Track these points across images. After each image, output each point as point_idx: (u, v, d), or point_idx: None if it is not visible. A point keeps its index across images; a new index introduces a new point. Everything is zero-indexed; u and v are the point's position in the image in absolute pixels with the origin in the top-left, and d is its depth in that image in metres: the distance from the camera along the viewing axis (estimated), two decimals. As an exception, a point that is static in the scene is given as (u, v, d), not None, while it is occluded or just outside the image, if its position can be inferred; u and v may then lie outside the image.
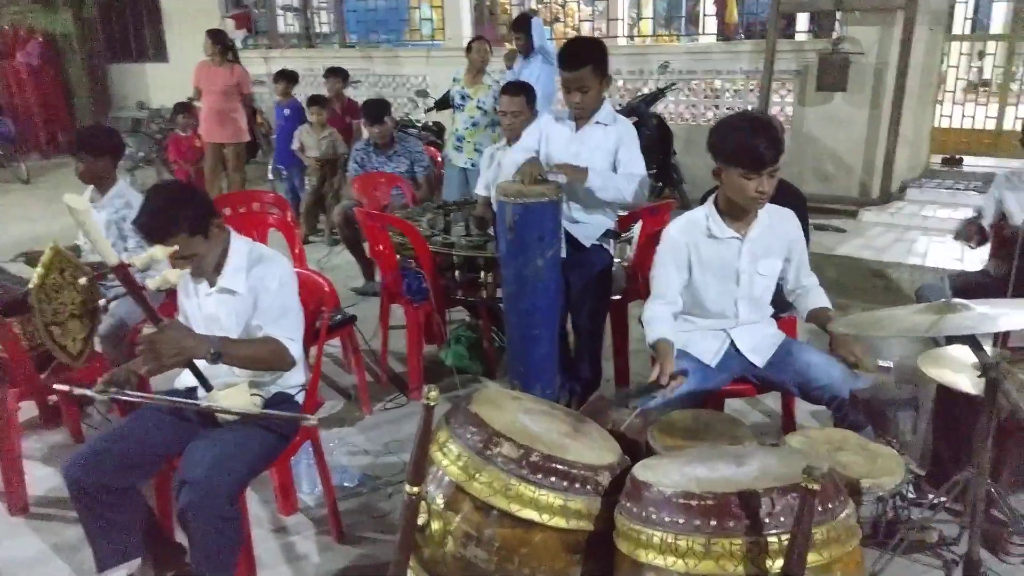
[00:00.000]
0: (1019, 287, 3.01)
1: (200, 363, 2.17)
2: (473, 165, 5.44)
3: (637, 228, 3.80)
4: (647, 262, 2.99)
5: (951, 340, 2.31)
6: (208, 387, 2.21)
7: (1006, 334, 3.28)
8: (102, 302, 2.74)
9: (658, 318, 2.56)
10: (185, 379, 2.37)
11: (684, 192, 6.81)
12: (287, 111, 7.13)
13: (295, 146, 6.61)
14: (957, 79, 8.31)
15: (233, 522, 2.08)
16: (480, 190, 4.08)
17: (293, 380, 2.43)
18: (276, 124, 7.35)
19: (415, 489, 1.72)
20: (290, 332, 2.30)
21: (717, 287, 2.60)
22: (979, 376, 1.59)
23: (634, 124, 7.19)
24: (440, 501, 1.81)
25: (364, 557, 2.56)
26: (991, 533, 2.50)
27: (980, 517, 1.67)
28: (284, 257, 2.44)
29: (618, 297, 3.67)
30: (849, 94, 6.78)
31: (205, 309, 2.37)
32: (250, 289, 2.31)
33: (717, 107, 7.69)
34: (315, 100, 6.59)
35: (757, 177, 2.35)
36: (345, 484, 2.93)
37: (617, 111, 6.96)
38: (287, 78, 7.25)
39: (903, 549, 2.23)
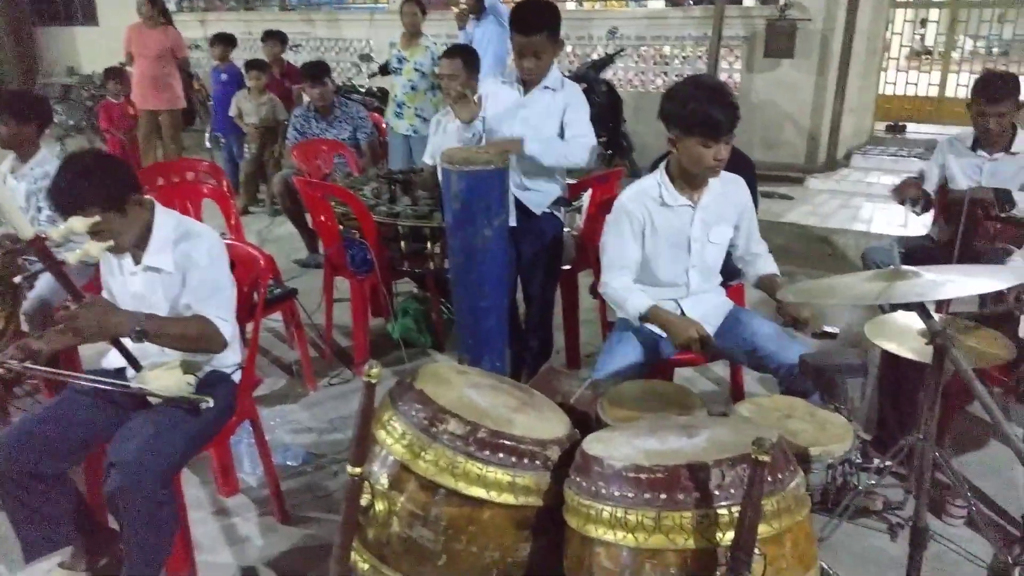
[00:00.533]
0: (963, 252, 3.05)
1: (127, 342, 2.05)
2: (415, 132, 5.30)
3: (586, 197, 3.75)
4: (597, 231, 2.94)
5: (898, 307, 2.32)
6: (137, 367, 2.10)
7: (947, 299, 3.34)
8: (18, 278, 2.58)
9: (629, 288, 2.52)
10: (113, 359, 2.24)
11: (634, 160, 6.79)
12: (224, 76, 6.87)
13: (233, 112, 6.38)
14: (901, 46, 8.42)
15: (166, 505, 1.99)
16: (427, 159, 3.97)
17: (229, 359, 2.33)
18: (213, 90, 7.10)
19: (357, 470, 1.64)
20: (222, 311, 2.19)
21: (669, 256, 2.57)
22: (927, 344, 1.58)
23: (583, 91, 7.13)
24: (384, 481, 1.74)
25: (309, 538, 2.50)
26: (934, 497, 2.55)
27: (928, 484, 1.67)
28: (212, 231, 2.31)
29: (568, 267, 3.62)
30: (796, 60, 6.83)
31: (131, 287, 2.24)
32: (178, 266, 2.19)
33: (666, 74, 7.67)
34: (253, 64, 6.35)
35: (715, 145, 2.32)
36: (288, 463, 2.85)
37: (565, 77, 6.87)
38: (224, 42, 6.98)
39: (850, 515, 2.25)
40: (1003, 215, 3.10)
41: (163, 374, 2.11)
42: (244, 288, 2.45)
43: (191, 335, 2.14)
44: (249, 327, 2.50)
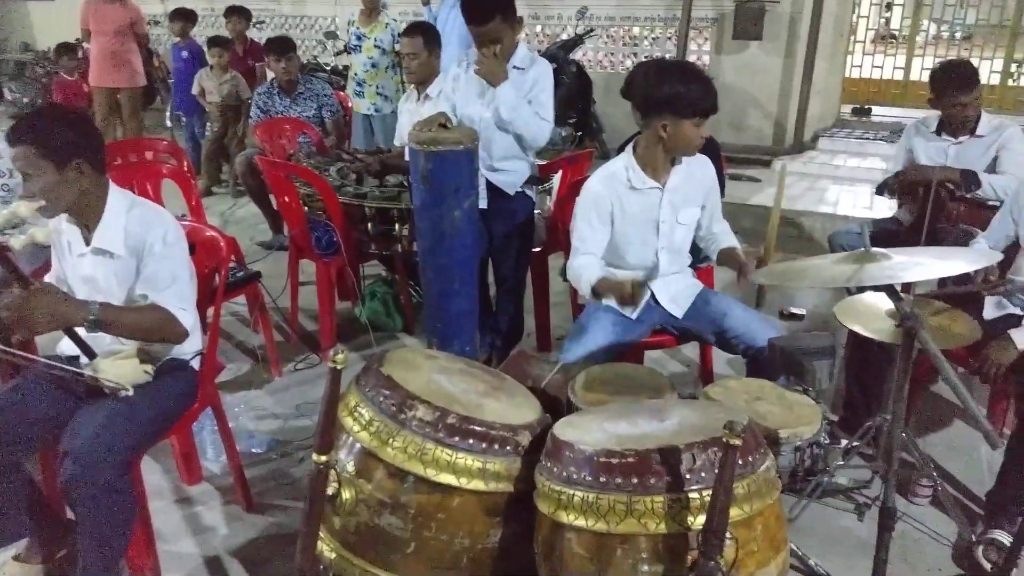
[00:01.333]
0: (928, 233, 3.07)
1: (81, 331, 1.98)
2: (377, 111, 5.22)
3: (557, 179, 3.72)
4: (567, 213, 2.92)
5: (866, 289, 2.33)
6: (91, 355, 2.02)
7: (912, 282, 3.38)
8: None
9: (588, 266, 2.50)
10: (67, 346, 2.16)
11: (604, 141, 6.77)
12: (185, 53, 6.70)
13: (195, 91, 6.22)
14: (867, 30, 8.48)
15: (123, 495, 1.92)
16: (397, 141, 3.90)
17: (188, 345, 2.24)
18: (173, 67, 6.91)
19: (323, 458, 1.60)
20: (180, 300, 2.10)
21: (638, 239, 2.56)
22: (897, 326, 1.58)
23: (553, 71, 7.07)
24: (351, 469, 1.71)
25: (275, 526, 2.45)
26: (900, 476, 2.57)
27: (894, 465, 1.68)
28: (169, 214, 2.22)
29: (538, 249, 3.60)
30: (765, 43, 6.84)
31: (81, 270, 2.14)
32: (131, 250, 2.09)
33: (635, 55, 7.64)
34: (216, 41, 6.20)
35: (703, 124, 2.34)
36: (253, 450, 2.79)
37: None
38: (184, 18, 6.80)
39: (818, 495, 2.27)
40: (968, 196, 3.13)
41: (118, 362, 2.04)
42: (205, 272, 2.38)
43: (148, 326, 2.06)
44: (210, 312, 2.43)
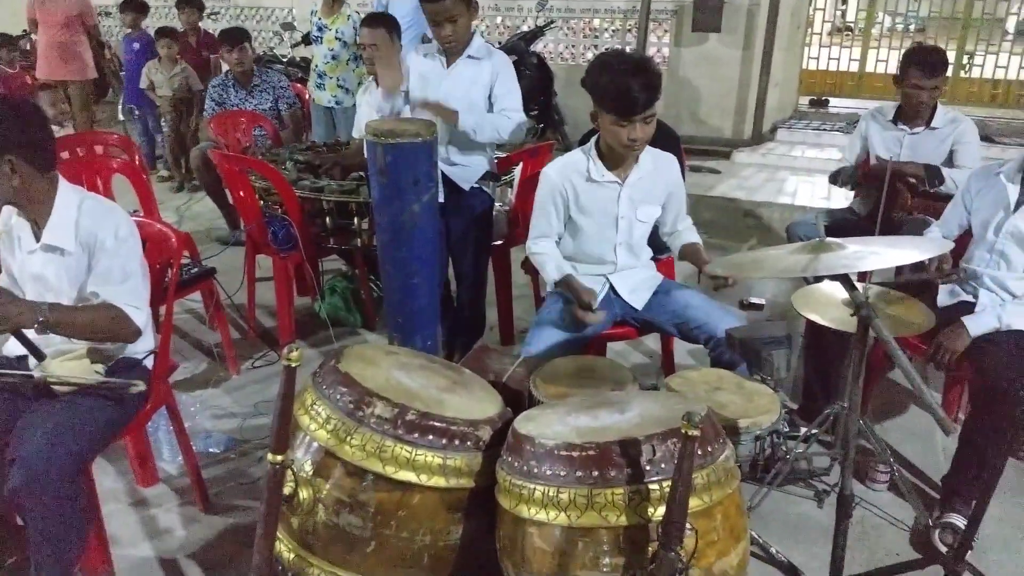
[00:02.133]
0: (884, 223, 3.11)
1: (30, 332, 1.91)
2: (338, 103, 5.15)
3: (517, 171, 3.70)
4: (528, 205, 2.91)
5: (823, 278, 2.35)
6: (40, 356, 1.96)
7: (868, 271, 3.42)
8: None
9: (551, 254, 2.53)
10: (14, 346, 2.09)
11: (566, 133, 6.77)
12: (137, 45, 6.54)
13: (144, 84, 6.08)
14: (823, 22, 8.60)
15: (75, 500, 1.86)
16: (356, 133, 3.85)
17: (141, 344, 2.18)
18: (125, 59, 6.74)
19: (279, 457, 1.57)
20: (133, 298, 2.05)
21: (596, 232, 2.55)
22: (852, 315, 1.60)
23: (513, 64, 7.04)
24: (308, 468, 1.68)
25: (233, 527, 2.41)
26: (858, 463, 2.62)
27: (853, 453, 1.69)
28: (120, 209, 2.16)
29: (500, 242, 3.58)
30: (723, 35, 6.89)
31: (30, 268, 2.07)
32: (82, 246, 2.02)
33: (596, 46, 7.65)
34: (164, 32, 6.04)
35: (629, 124, 2.26)
36: (211, 450, 2.74)
37: (496, 48, 6.75)
38: (136, 8, 6.63)
39: (778, 483, 2.29)
40: (931, 191, 3.17)
41: (67, 363, 1.97)
42: (156, 268, 2.32)
43: (99, 326, 2.01)
44: (163, 310, 2.37)
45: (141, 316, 2.06)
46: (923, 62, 3.21)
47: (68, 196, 2.06)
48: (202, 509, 2.47)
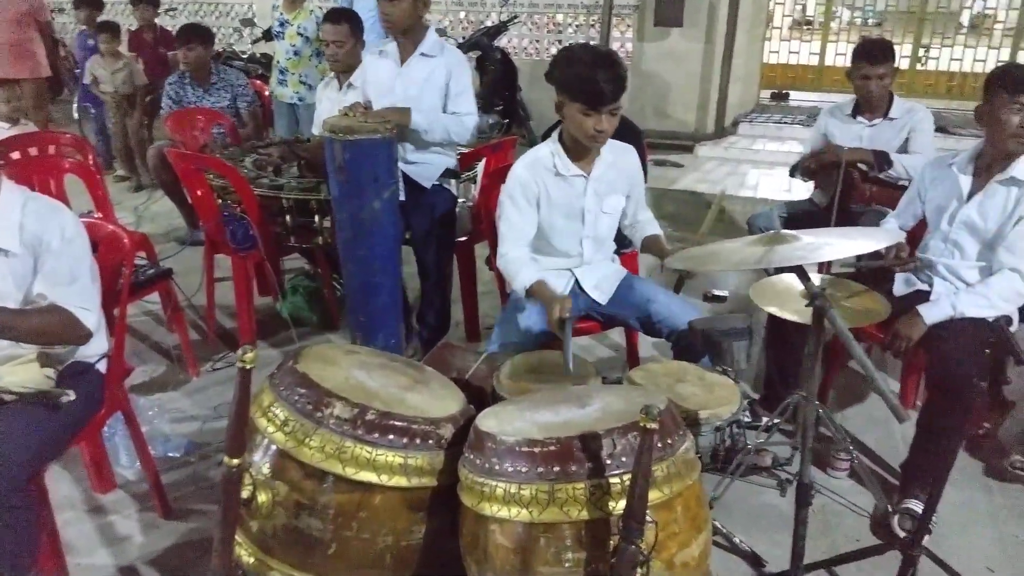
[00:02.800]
0: (841, 214, 3.16)
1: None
2: (301, 100, 5.09)
3: (480, 167, 3.69)
4: (491, 201, 2.89)
5: (780, 270, 2.38)
6: (-14, 362, 1.91)
7: (828, 261, 3.47)
8: None
9: (521, 261, 2.44)
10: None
11: (531, 128, 6.77)
12: (92, 42, 6.38)
13: (88, 80, 5.95)
14: (783, 16, 8.69)
15: (23, 511, 1.81)
16: (316, 130, 3.81)
17: (93, 348, 2.13)
18: (80, 57, 6.59)
19: (235, 461, 1.54)
20: (82, 300, 1.99)
21: (563, 226, 2.55)
22: (807, 305, 1.61)
23: (478, 59, 7.04)
24: (267, 471, 1.65)
25: (194, 532, 2.37)
26: (819, 451, 2.65)
27: (811, 442, 1.71)
28: (68, 209, 2.10)
29: (464, 238, 3.56)
30: (685, 29, 6.92)
31: None
32: (27, 247, 1.96)
33: (560, 41, 7.65)
34: (104, 27, 5.91)
35: (596, 114, 2.27)
36: (170, 454, 2.69)
37: (459, 44, 6.73)
38: (90, 5, 6.49)
39: (741, 473, 2.31)
40: (880, 175, 3.23)
41: (17, 369, 1.92)
42: (108, 270, 2.27)
43: (48, 329, 1.95)
44: (117, 312, 2.32)
45: (91, 318, 2.01)
46: (867, 52, 3.31)
47: (11, 197, 1.99)
48: (161, 515, 2.43)
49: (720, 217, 5.41)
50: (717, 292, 3.99)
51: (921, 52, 8.13)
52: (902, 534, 2.31)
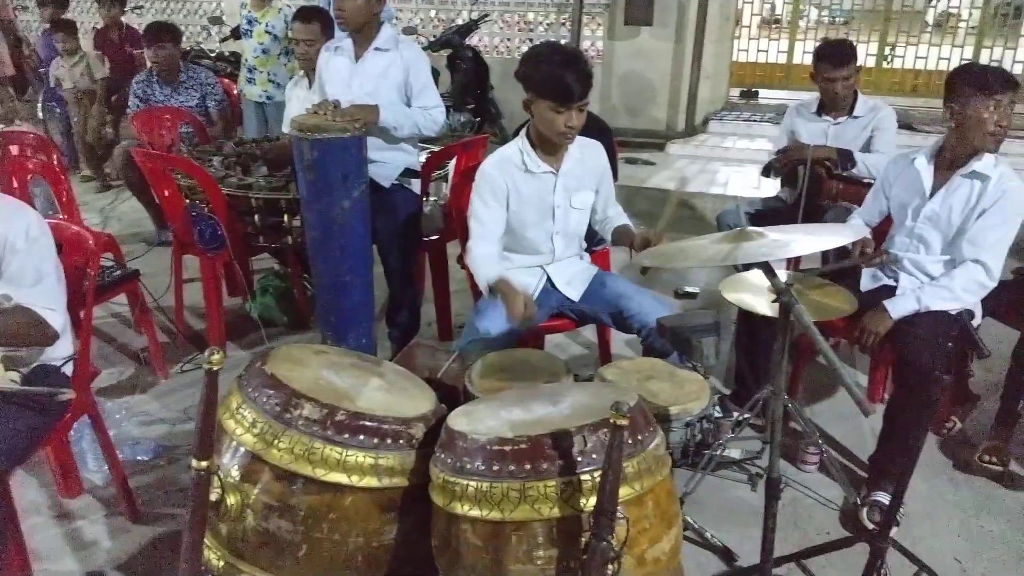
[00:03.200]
0: (809, 211, 3.20)
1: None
2: (269, 98, 5.05)
3: (451, 165, 3.68)
4: (463, 200, 2.89)
5: (748, 266, 2.40)
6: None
7: (798, 257, 3.51)
8: None
9: (486, 258, 2.45)
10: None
11: (503, 126, 6.77)
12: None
13: (52, 84, 5.85)
14: (752, 15, 8.77)
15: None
16: (286, 129, 3.77)
17: (59, 350, 2.10)
18: (45, 55, 6.47)
19: (203, 464, 1.53)
20: (48, 300, 1.97)
21: (533, 223, 2.56)
22: (773, 301, 1.63)
23: (449, 57, 7.01)
24: (236, 473, 1.64)
25: (163, 536, 2.33)
26: (789, 445, 2.69)
27: (779, 436, 1.73)
28: (31, 209, 2.07)
29: (436, 237, 3.55)
30: (655, 28, 6.96)
31: None
32: None
33: (531, 40, 7.66)
34: (59, 25, 5.81)
35: (567, 111, 2.30)
36: (139, 457, 2.65)
37: (430, 42, 6.69)
38: (55, 3, 6.38)
39: (712, 468, 2.33)
40: (844, 173, 3.28)
41: (-21, 372, 1.89)
42: (75, 271, 2.23)
43: (14, 330, 1.92)
44: (83, 314, 2.28)
45: (58, 318, 1.98)
46: (830, 55, 3.36)
47: None
48: (130, 519, 2.39)
49: (691, 214, 5.48)
50: (689, 289, 4.04)
51: (887, 50, 8.25)
52: (870, 526, 2.34)
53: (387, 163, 2.97)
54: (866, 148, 3.39)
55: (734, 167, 6.36)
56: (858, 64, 3.41)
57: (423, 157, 3.40)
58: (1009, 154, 6.22)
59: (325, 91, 2.92)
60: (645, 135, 7.13)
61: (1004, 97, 2.34)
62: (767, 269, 1.58)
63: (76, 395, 2.12)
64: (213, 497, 1.58)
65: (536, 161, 2.47)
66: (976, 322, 2.58)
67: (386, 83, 2.85)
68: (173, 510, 2.44)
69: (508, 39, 7.80)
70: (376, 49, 2.87)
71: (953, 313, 2.46)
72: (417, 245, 3.27)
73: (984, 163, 2.46)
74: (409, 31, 7.05)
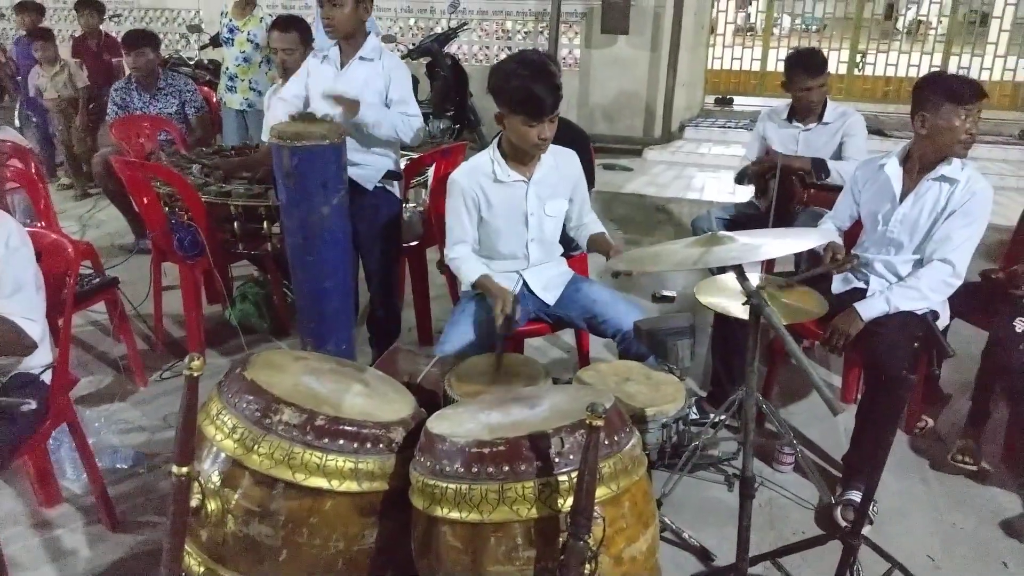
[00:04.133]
0: (781, 216, 3.25)
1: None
2: (251, 106, 5.05)
3: (431, 171, 3.71)
4: (442, 206, 2.91)
5: (723, 269, 2.44)
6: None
7: (771, 260, 3.57)
8: None
9: (467, 258, 2.57)
10: None
11: (483, 133, 6.80)
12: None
13: (33, 93, 5.82)
14: (727, 23, 8.88)
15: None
16: (265, 137, 3.77)
17: (37, 359, 2.10)
18: (22, 64, 6.43)
19: (184, 469, 1.54)
20: (26, 310, 1.97)
21: (508, 230, 2.59)
22: (743, 304, 1.67)
23: (428, 65, 7.03)
24: (216, 479, 1.64)
25: (143, 544, 2.33)
26: (765, 446, 2.73)
27: (752, 436, 1.77)
28: (10, 218, 2.07)
29: (415, 243, 3.57)
30: (632, 37, 7.03)
31: None
32: None
33: (510, 48, 7.71)
34: (38, 34, 5.78)
35: (539, 124, 2.34)
36: (118, 465, 2.64)
37: (409, 51, 6.72)
38: (32, 10, 6.34)
39: (689, 469, 2.37)
40: (818, 183, 3.34)
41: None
42: (53, 279, 2.23)
43: None
44: (62, 323, 2.28)
45: (36, 328, 1.98)
46: (805, 65, 3.41)
47: None
48: (109, 527, 2.38)
49: (668, 219, 5.54)
50: (666, 292, 4.07)
51: (858, 57, 8.38)
52: (844, 524, 2.38)
53: (369, 165, 2.99)
54: (837, 153, 3.45)
55: (710, 173, 6.44)
56: (828, 71, 3.48)
57: (403, 163, 3.42)
58: (978, 158, 6.37)
59: (310, 97, 2.94)
60: (623, 141, 7.20)
61: (974, 107, 2.42)
62: (739, 272, 1.62)
63: (47, 403, 2.12)
64: (193, 503, 1.58)
65: (506, 170, 2.51)
66: (944, 323, 2.63)
67: (368, 91, 2.88)
68: (153, 518, 2.44)
69: (487, 47, 7.84)
70: (361, 58, 2.90)
71: (919, 314, 2.51)
72: (398, 249, 3.28)
73: (952, 167, 2.52)
74: (388, 39, 7.07)
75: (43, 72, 5.75)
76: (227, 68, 5.19)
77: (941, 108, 2.44)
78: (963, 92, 2.42)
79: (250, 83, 5.07)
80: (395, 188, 3.14)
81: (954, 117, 2.43)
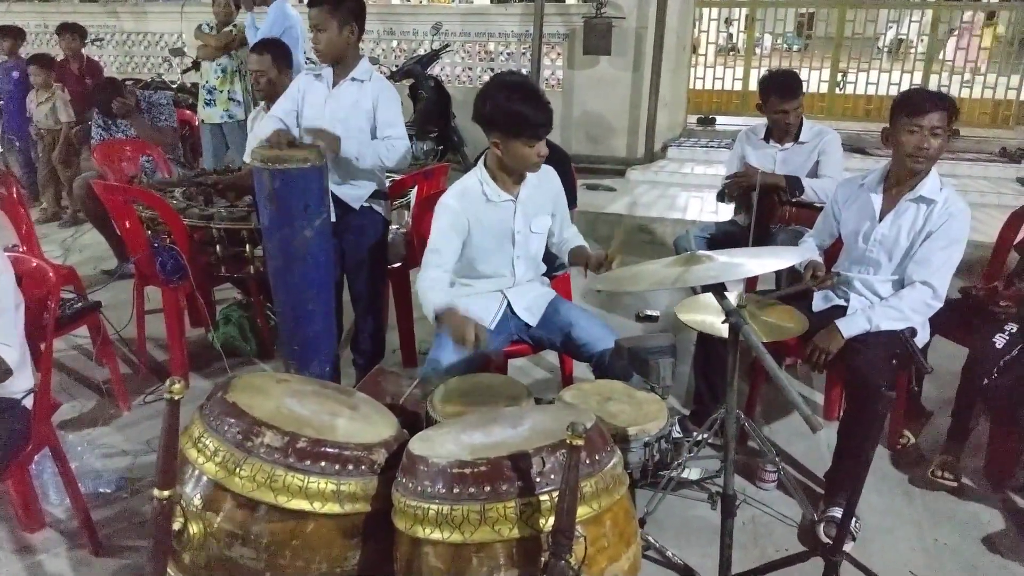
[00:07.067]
0: (761, 235, 3.29)
1: None
2: (231, 117, 5.11)
3: (413, 193, 3.73)
4: (425, 228, 2.92)
5: (706, 288, 2.47)
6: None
7: (753, 279, 3.61)
8: None
9: (435, 283, 2.47)
10: None
11: (466, 154, 6.83)
12: (15, 73, 6.22)
13: (28, 115, 5.81)
14: (708, 43, 8.99)
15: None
16: (247, 158, 3.79)
17: (18, 384, 2.10)
18: (3, 89, 6.41)
19: (166, 493, 1.54)
20: (2, 335, 1.97)
21: (495, 249, 2.61)
22: (723, 322, 1.69)
23: (411, 87, 7.06)
24: (198, 502, 1.64)
25: (126, 568, 2.31)
26: (748, 464, 2.74)
27: (733, 454, 1.78)
28: None
29: (399, 264, 3.58)
30: (614, 57, 7.10)
31: None
32: None
33: (492, 69, 7.76)
34: (34, 59, 5.81)
35: (538, 143, 2.39)
36: (101, 490, 2.62)
37: (392, 72, 6.76)
38: (11, 35, 6.33)
39: (672, 487, 2.37)
40: (794, 200, 3.38)
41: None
42: (35, 304, 2.22)
43: None
44: (43, 347, 2.27)
45: (12, 354, 1.98)
46: (780, 87, 3.45)
47: None
48: (93, 552, 2.36)
49: (651, 239, 5.58)
50: (650, 312, 4.10)
51: (839, 76, 8.50)
52: (827, 541, 2.39)
53: (357, 186, 3.01)
54: (813, 172, 3.50)
55: (692, 192, 6.48)
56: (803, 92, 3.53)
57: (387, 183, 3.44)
58: (959, 176, 6.46)
59: (303, 115, 2.96)
60: (606, 162, 7.25)
61: (925, 119, 2.41)
62: (718, 291, 1.65)
63: (28, 428, 2.11)
64: (176, 526, 1.59)
65: (496, 190, 2.53)
66: (923, 340, 2.66)
67: (356, 112, 2.90)
68: (136, 542, 2.42)
69: (470, 68, 7.89)
70: (352, 79, 2.93)
71: (897, 331, 2.54)
72: (384, 269, 3.29)
73: (930, 187, 2.55)
74: (371, 62, 7.12)
75: (35, 97, 5.77)
76: (206, 82, 5.28)
77: (899, 121, 2.48)
78: (915, 102, 2.44)
79: (229, 94, 5.15)
80: (382, 207, 3.16)
81: (904, 129, 2.46)
